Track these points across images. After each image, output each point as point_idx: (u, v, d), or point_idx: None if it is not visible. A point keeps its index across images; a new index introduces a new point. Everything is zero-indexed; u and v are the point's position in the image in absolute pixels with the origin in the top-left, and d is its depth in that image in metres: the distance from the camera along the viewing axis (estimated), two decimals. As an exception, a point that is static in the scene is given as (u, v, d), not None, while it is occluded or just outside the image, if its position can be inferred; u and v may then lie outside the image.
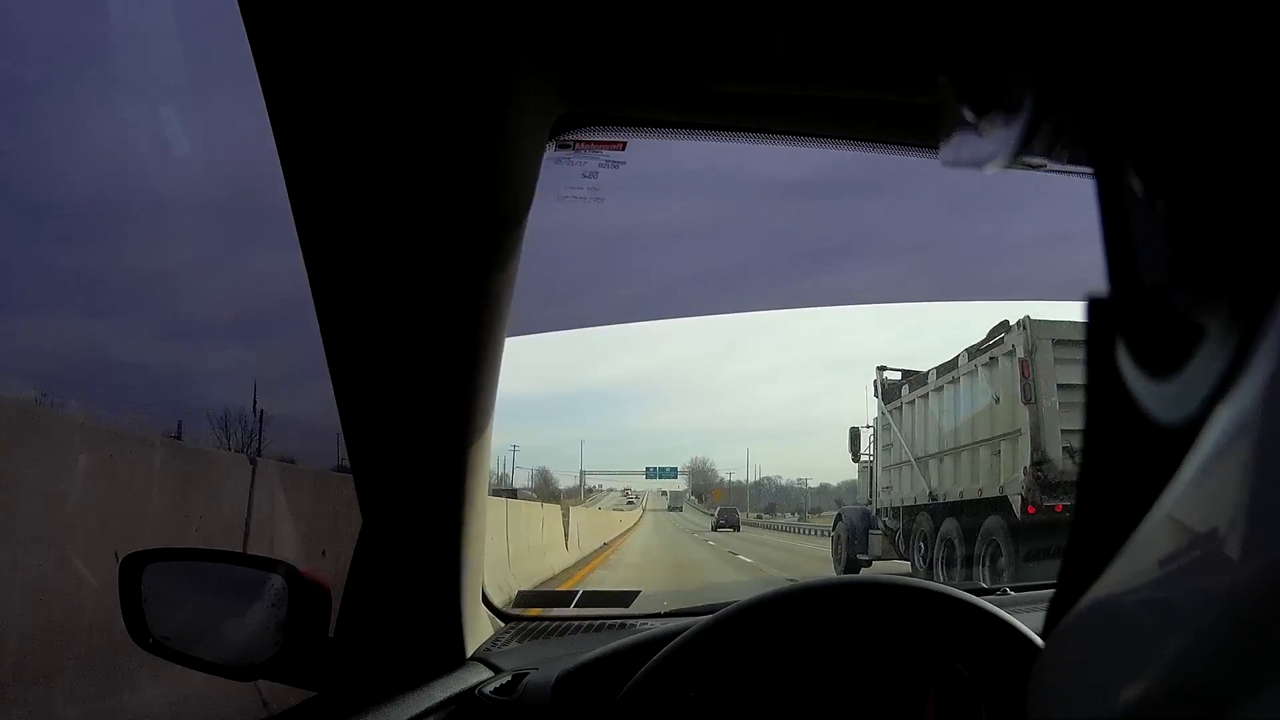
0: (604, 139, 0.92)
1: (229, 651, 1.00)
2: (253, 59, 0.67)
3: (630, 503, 46.97)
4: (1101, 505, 0.30)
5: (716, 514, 30.29)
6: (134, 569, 0.97)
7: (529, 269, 0.88)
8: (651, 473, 50.71)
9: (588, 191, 0.95)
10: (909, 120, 0.92)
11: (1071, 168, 0.29)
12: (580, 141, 0.91)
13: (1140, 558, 0.26)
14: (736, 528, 28.21)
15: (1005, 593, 1.43)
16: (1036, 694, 0.34)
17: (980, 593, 1.26)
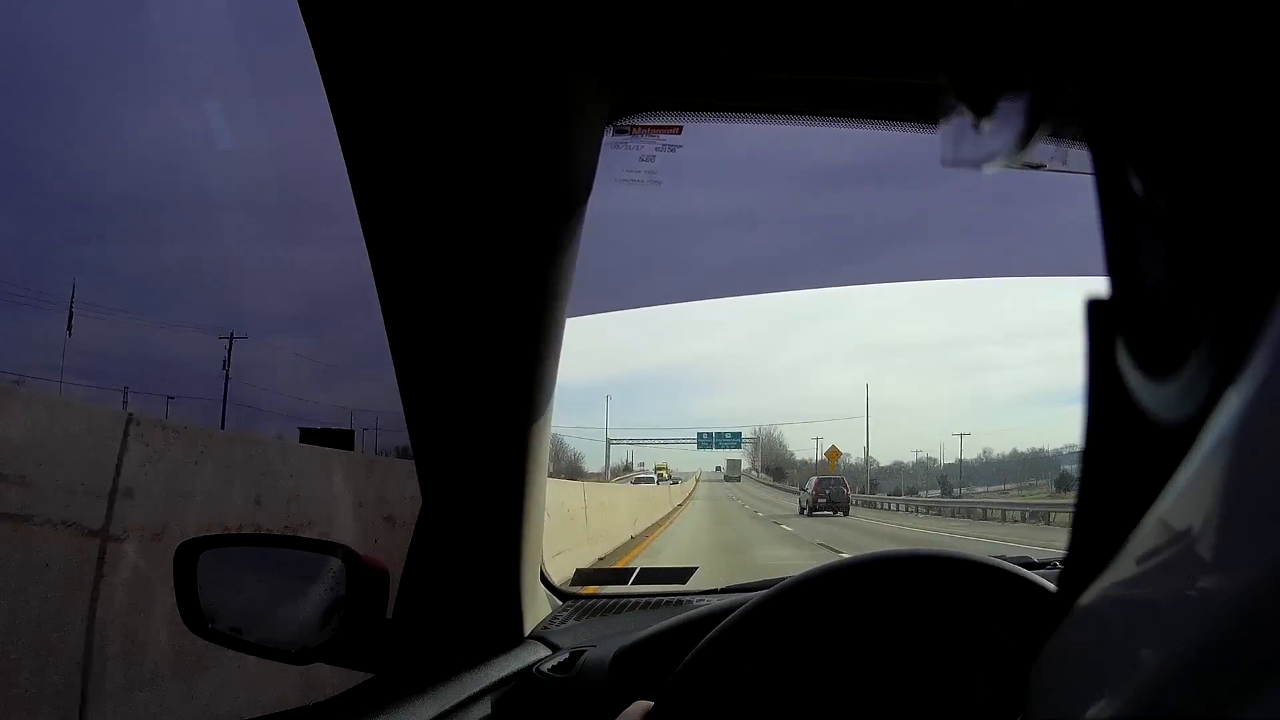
0: (660, 124, 0.92)
1: (285, 636, 1.00)
2: (313, 51, 0.66)
3: (664, 478, 35.32)
4: (1101, 505, 0.30)
5: (812, 488, 21.49)
6: (189, 556, 0.96)
7: (588, 251, 0.88)
8: (705, 440, 39.90)
9: (645, 175, 0.95)
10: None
11: (1071, 168, 0.28)
12: (637, 126, 0.92)
13: (1141, 556, 0.25)
14: (845, 510, 20.44)
15: (1056, 566, 1.43)
16: (1037, 693, 0.34)
17: (1031, 566, 1.27)
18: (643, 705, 0.86)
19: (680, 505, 22.24)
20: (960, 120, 0.30)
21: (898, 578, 0.99)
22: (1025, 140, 0.26)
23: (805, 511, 20.80)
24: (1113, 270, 0.27)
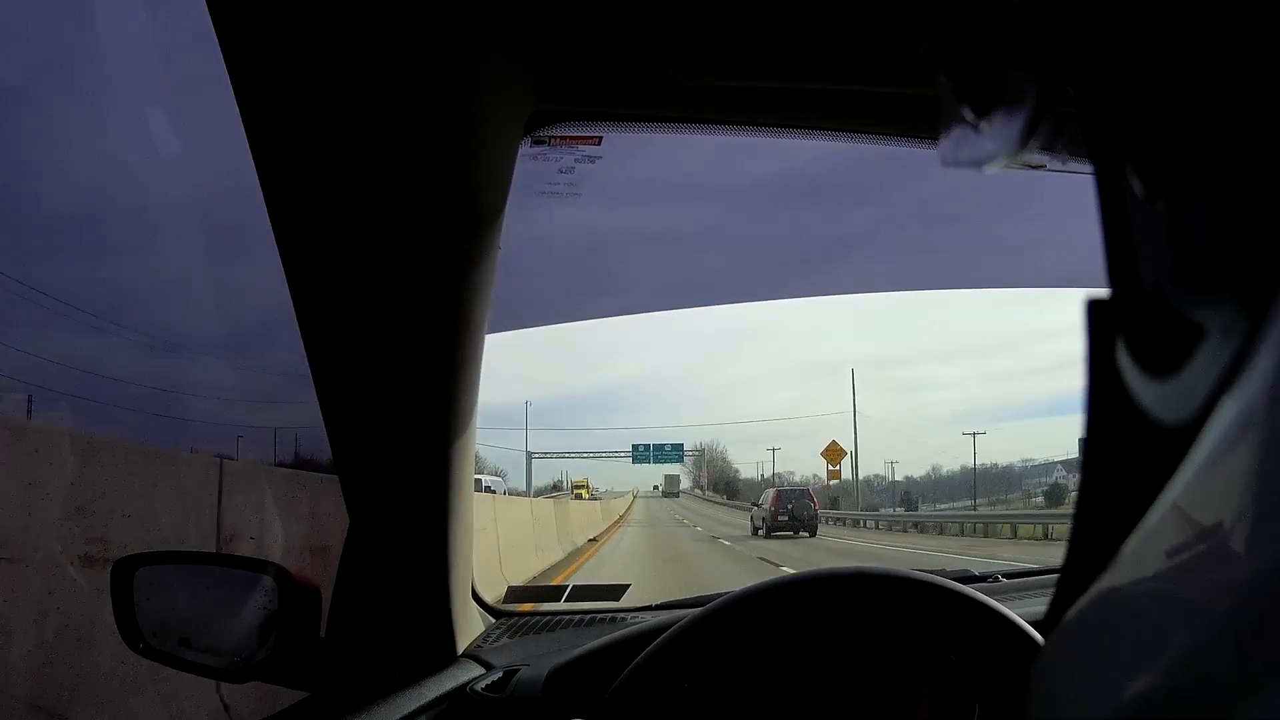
0: (579, 134, 0.92)
1: (222, 653, 1.01)
2: (224, 61, 0.67)
3: (583, 498, 29.22)
4: (1102, 504, 0.31)
5: (770, 503, 17.31)
6: (126, 572, 0.97)
7: (509, 266, 0.89)
8: (642, 453, 34.66)
9: (564, 187, 0.95)
10: (882, 111, 0.92)
11: (1071, 168, 0.29)
12: (556, 137, 0.91)
13: (1142, 555, 0.26)
14: (812, 529, 16.75)
15: (997, 580, 1.42)
16: (1038, 692, 0.34)
17: (971, 580, 1.26)
18: None
19: (601, 533, 16.38)
20: (959, 122, 0.30)
21: (834, 595, 0.99)
22: (1025, 140, 0.26)
23: (761, 532, 17.06)
24: (1113, 270, 0.27)
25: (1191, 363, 0.23)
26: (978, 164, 0.30)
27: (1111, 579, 0.27)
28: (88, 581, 2.77)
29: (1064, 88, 0.26)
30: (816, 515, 17.86)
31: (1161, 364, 0.25)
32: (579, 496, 30.82)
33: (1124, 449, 0.28)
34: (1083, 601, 0.29)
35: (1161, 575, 0.24)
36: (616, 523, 21.56)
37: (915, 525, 21.66)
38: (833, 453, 27.86)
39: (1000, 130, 0.28)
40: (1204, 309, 0.23)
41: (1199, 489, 0.23)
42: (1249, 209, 0.21)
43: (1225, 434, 0.21)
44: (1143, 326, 0.26)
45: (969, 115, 0.30)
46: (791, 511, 17.11)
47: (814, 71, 0.85)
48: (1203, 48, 0.22)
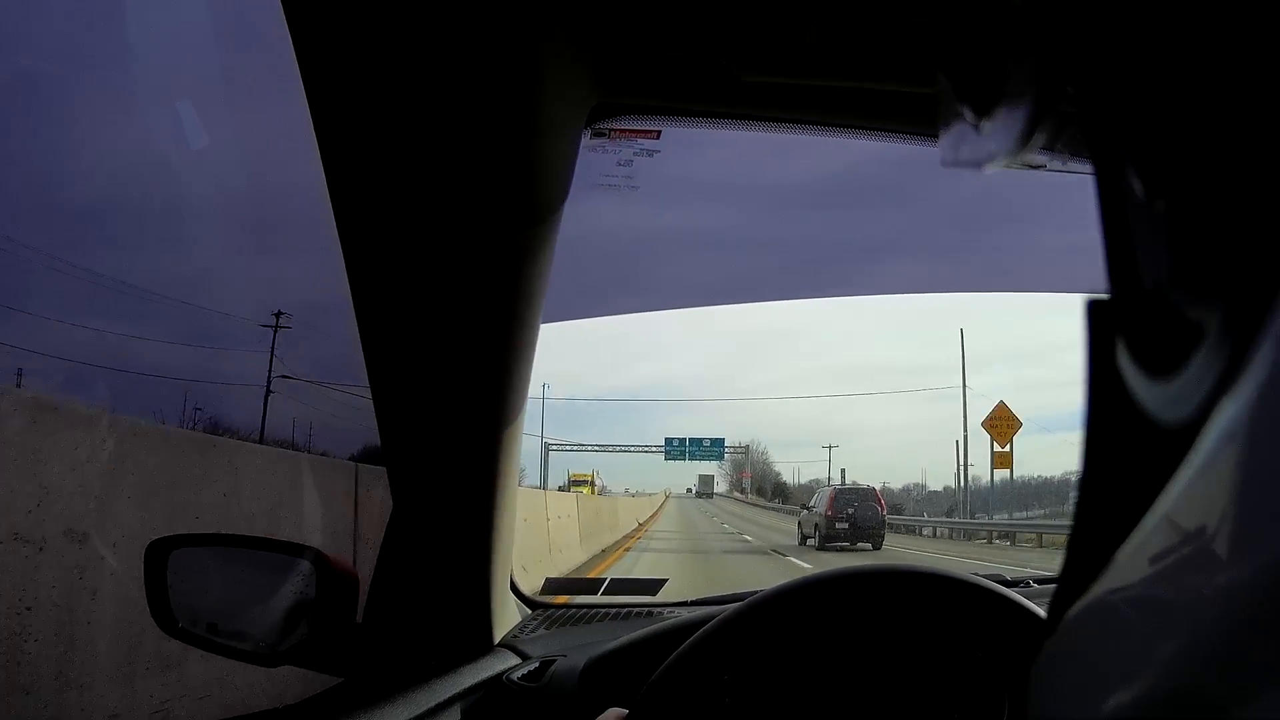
0: (639, 128, 0.92)
1: (255, 637, 1.00)
2: (294, 54, 0.66)
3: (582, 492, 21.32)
4: (1102, 505, 0.30)
5: (825, 506, 13.90)
6: (160, 554, 0.96)
7: (565, 256, 0.87)
8: (676, 448, 30.94)
9: (622, 179, 0.95)
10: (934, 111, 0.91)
11: (1071, 168, 0.29)
12: (616, 130, 0.91)
13: (1140, 557, 0.25)
14: (877, 540, 13.54)
15: (1029, 585, 1.43)
16: (1037, 693, 0.34)
17: (1004, 584, 1.26)
18: (618, 712, 0.86)
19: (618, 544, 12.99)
20: (960, 122, 0.30)
21: (871, 593, 0.99)
22: (1025, 140, 0.26)
23: (812, 541, 13.97)
24: (1113, 270, 0.27)
25: (1191, 363, 0.23)
26: (977, 164, 0.30)
27: (1107, 583, 0.27)
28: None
29: (1064, 88, 0.26)
30: (883, 523, 14.41)
31: (1161, 364, 0.24)
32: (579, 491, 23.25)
33: (1123, 451, 0.28)
34: (1078, 605, 0.29)
35: (1155, 579, 0.24)
36: (619, 546, 13.17)
37: (1005, 535, 17.38)
38: (1002, 423, 18.81)
39: (1000, 130, 0.28)
40: (1204, 309, 0.23)
41: (1195, 492, 0.23)
42: (1248, 209, 0.21)
43: (1223, 437, 0.21)
44: (1143, 326, 0.26)
45: (968, 115, 0.30)
46: (852, 518, 13.74)
47: (871, 70, 0.85)
48: (1203, 47, 0.22)
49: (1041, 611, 0.94)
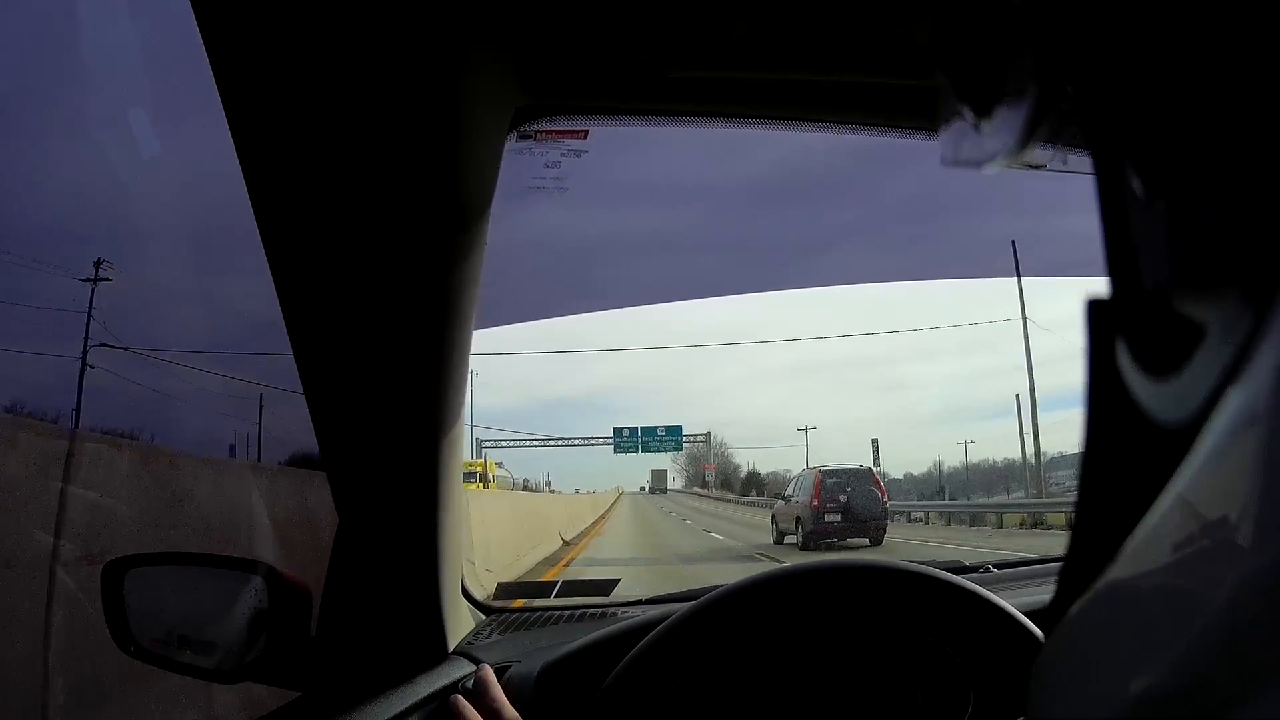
0: (565, 128, 0.92)
1: (213, 654, 1.01)
2: (208, 60, 0.67)
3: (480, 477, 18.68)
4: (1102, 504, 0.31)
5: (811, 491, 11.56)
6: (116, 574, 0.97)
7: (492, 262, 0.89)
8: (628, 440, 27.68)
9: (551, 181, 0.96)
10: (871, 102, 0.93)
11: (1071, 168, 0.29)
12: (541, 132, 0.92)
13: (1142, 555, 0.26)
14: (877, 534, 11.33)
15: (988, 570, 1.43)
16: (1038, 691, 0.34)
17: (962, 570, 1.27)
18: None
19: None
20: (959, 121, 0.30)
21: (827, 587, 1.00)
22: (1025, 140, 0.26)
23: (794, 539, 11.64)
24: (1113, 270, 0.27)
25: (1191, 362, 0.23)
26: (978, 163, 0.30)
27: (1113, 577, 0.27)
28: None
29: (1064, 87, 0.26)
30: (885, 511, 11.84)
31: (1161, 364, 0.25)
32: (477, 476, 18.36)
33: (1124, 447, 0.28)
34: (1083, 600, 0.29)
35: (1162, 574, 0.25)
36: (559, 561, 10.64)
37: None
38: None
39: (1000, 130, 0.28)
40: (1204, 309, 0.23)
41: (1200, 487, 0.23)
42: (1249, 208, 0.21)
43: (1226, 432, 0.21)
44: (1143, 326, 0.26)
45: (969, 114, 0.30)
46: (845, 506, 11.22)
47: (803, 62, 0.85)
48: (1203, 47, 0.22)
49: (1000, 600, 0.95)
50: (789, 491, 13.34)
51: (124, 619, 0.98)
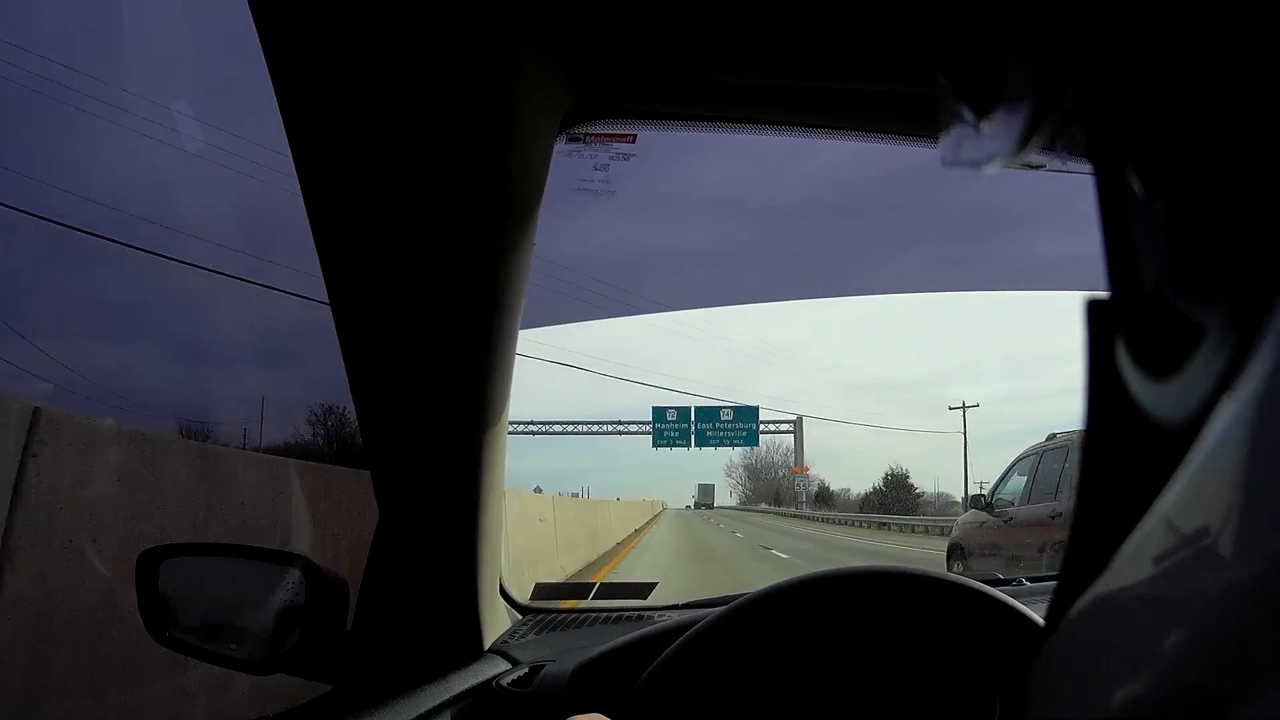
0: (614, 132, 0.92)
1: (246, 646, 1.01)
2: (265, 59, 0.67)
3: None
4: (1101, 505, 0.30)
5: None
6: (151, 564, 0.97)
7: (548, 264, 0.88)
8: (671, 427, 19.88)
9: (599, 184, 0.95)
10: (918, 112, 0.91)
11: (1071, 168, 0.29)
12: (591, 134, 0.91)
13: (1140, 556, 0.26)
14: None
15: (1021, 583, 1.42)
16: (1036, 692, 0.34)
17: (996, 583, 1.26)
18: (597, 718, 0.86)
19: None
20: (960, 122, 0.30)
21: (860, 593, 0.99)
22: (1025, 141, 0.26)
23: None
24: (1113, 270, 0.27)
25: (1191, 363, 0.23)
26: (977, 164, 0.30)
27: (1107, 583, 0.27)
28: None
29: (1064, 88, 0.26)
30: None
31: (1161, 364, 0.24)
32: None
33: (1123, 451, 0.28)
34: (1078, 606, 0.29)
35: (1155, 579, 0.24)
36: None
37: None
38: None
39: (1000, 130, 0.28)
40: (1204, 309, 0.23)
41: (1195, 492, 0.23)
42: (1248, 209, 0.21)
43: (1222, 436, 0.21)
44: (1143, 326, 0.26)
45: (968, 115, 0.30)
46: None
47: (849, 69, 0.84)
48: (1203, 47, 0.22)
49: (1030, 612, 0.94)
50: (997, 493, 7.75)
51: (158, 608, 0.97)
